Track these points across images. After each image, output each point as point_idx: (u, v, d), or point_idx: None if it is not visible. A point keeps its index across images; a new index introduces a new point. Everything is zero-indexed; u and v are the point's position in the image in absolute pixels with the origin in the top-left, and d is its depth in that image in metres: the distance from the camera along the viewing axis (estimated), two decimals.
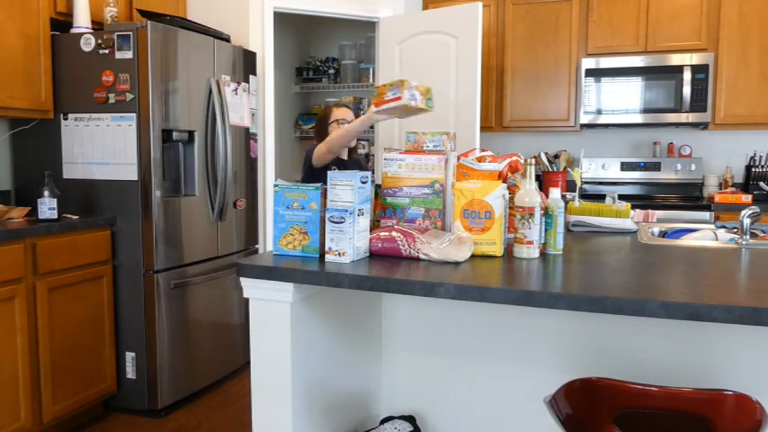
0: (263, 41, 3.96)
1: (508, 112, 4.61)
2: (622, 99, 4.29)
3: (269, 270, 1.76)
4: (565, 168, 4.59)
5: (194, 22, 3.46)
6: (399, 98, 2.28)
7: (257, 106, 3.85)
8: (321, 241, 1.84)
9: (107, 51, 3.03)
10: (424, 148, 2.05)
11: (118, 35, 3.01)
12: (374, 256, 1.87)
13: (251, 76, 3.74)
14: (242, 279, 1.83)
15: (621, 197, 4.08)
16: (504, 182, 2.00)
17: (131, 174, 3.05)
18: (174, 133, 3.16)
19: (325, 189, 1.86)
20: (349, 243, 1.77)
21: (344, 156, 3.15)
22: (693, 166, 4.47)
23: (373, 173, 4.40)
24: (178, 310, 3.22)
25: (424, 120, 3.26)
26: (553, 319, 2.03)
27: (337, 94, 5.47)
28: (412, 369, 2.25)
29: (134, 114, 3.02)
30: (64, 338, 2.86)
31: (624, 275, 1.63)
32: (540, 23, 4.49)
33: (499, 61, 4.59)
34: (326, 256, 1.80)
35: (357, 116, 2.89)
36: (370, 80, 5.12)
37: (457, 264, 1.75)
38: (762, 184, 4.25)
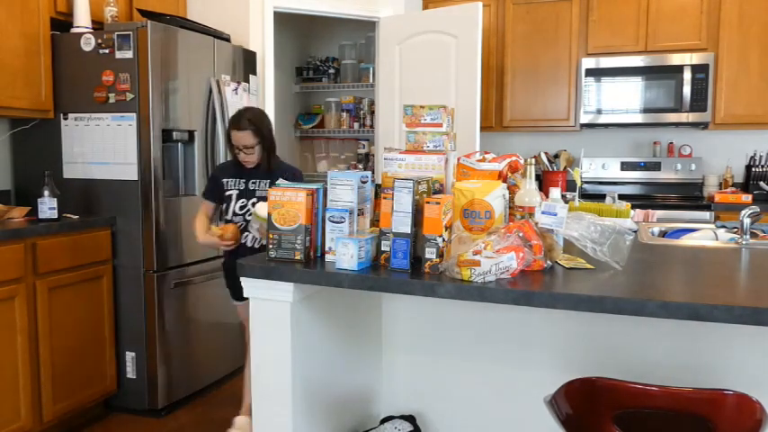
0: (263, 41, 3.96)
1: (508, 112, 4.60)
2: (622, 99, 4.28)
3: (269, 270, 1.76)
4: (565, 168, 4.59)
5: (194, 22, 3.46)
6: (440, 125, 2.02)
7: (257, 106, 3.85)
8: (321, 241, 1.84)
9: (107, 51, 3.03)
10: (424, 148, 2.05)
11: (118, 35, 3.01)
12: None
13: (251, 76, 3.74)
14: (242, 279, 1.83)
15: (621, 197, 4.06)
16: (504, 182, 2.00)
17: (131, 174, 3.05)
18: (174, 133, 3.15)
19: (326, 189, 1.86)
20: None
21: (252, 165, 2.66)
22: (693, 166, 4.46)
23: (373, 172, 4.39)
24: (178, 310, 3.22)
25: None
26: (553, 320, 2.03)
27: (337, 93, 5.46)
28: (412, 369, 2.25)
29: (134, 114, 3.02)
30: (64, 338, 2.86)
31: (624, 275, 1.63)
32: (540, 23, 4.48)
33: (499, 61, 4.59)
34: (326, 255, 1.80)
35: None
36: (370, 80, 5.12)
37: None
38: (762, 183, 4.25)
